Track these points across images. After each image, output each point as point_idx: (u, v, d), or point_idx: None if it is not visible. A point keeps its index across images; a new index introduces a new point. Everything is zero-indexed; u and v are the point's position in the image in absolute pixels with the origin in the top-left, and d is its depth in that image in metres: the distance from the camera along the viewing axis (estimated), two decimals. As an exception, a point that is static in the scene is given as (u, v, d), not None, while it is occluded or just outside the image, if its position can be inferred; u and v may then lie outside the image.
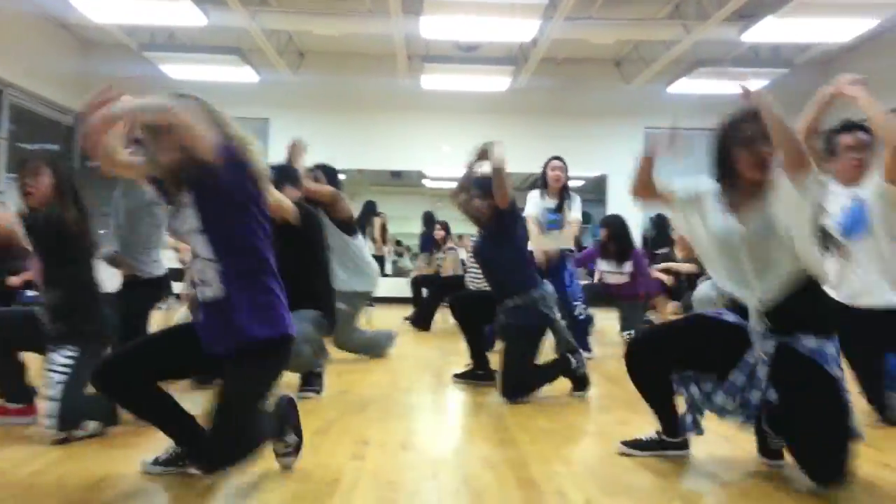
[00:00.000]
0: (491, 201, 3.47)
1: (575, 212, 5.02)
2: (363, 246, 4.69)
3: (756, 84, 2.09)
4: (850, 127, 2.93)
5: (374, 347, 4.77)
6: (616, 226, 5.74)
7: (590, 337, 5.07)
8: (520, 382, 3.36)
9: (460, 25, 7.57)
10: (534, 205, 4.98)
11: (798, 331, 2.08)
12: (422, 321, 7.01)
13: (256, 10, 8.18)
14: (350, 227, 4.44)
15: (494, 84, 9.73)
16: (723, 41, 8.66)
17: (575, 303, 4.80)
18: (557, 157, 5.04)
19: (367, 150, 10.63)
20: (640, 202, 2.41)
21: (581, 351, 4.62)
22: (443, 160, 10.73)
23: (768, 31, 7.44)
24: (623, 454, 2.45)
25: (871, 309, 2.83)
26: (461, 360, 4.04)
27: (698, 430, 2.34)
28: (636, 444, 2.47)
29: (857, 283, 2.89)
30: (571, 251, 5.08)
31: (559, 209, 4.93)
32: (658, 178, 2.33)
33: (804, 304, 2.10)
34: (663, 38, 9.08)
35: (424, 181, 11.82)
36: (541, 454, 2.45)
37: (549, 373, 3.49)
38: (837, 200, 2.95)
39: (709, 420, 2.59)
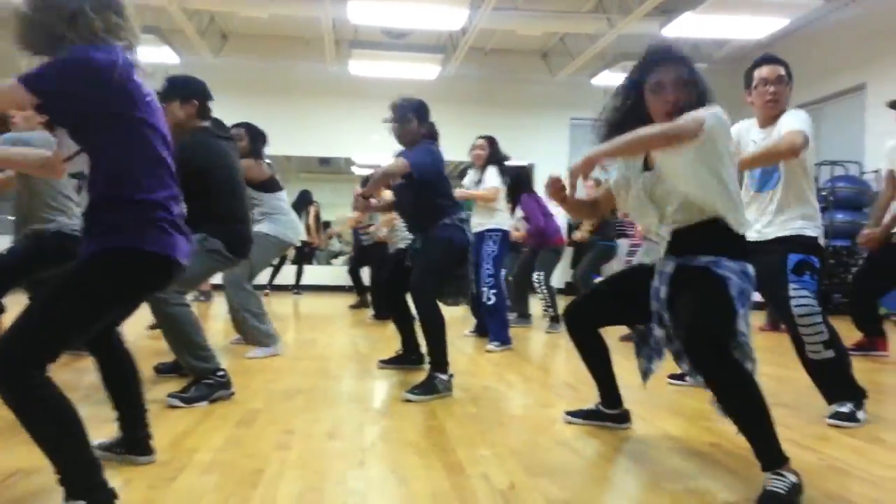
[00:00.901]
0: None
1: (488, 182, 5.05)
2: (283, 199, 4.60)
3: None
4: (767, 59, 2.91)
5: (257, 331, 4.26)
6: (511, 176, 5.75)
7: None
8: (422, 284, 3.34)
9: (389, 12, 7.52)
10: (468, 180, 5.27)
11: (698, 253, 2.13)
12: (382, 310, 6.59)
13: (176, -11, 7.88)
14: (267, 185, 4.44)
15: (423, 72, 9.71)
16: (645, 35, 8.89)
17: (482, 289, 4.83)
18: (482, 136, 5.25)
19: (294, 136, 10.43)
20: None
21: (494, 342, 4.71)
22: (372, 147, 10.67)
23: (687, 26, 7.69)
24: (566, 421, 2.68)
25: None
26: (388, 346, 4.04)
27: (644, 378, 2.42)
28: (577, 413, 2.71)
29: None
30: (495, 230, 5.01)
31: (479, 183, 5.12)
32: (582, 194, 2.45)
33: (708, 233, 2.14)
34: (588, 32, 9.28)
35: (354, 168, 11.70)
36: (467, 438, 2.48)
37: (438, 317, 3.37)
38: (754, 148, 2.88)
39: (630, 403, 2.69)
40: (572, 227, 8.47)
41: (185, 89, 3.28)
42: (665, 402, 3.14)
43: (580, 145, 11.48)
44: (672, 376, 3.49)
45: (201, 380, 2.97)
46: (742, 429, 1.96)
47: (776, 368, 3.88)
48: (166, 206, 1.80)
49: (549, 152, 10.80)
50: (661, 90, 2.15)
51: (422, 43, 9.61)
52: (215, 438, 2.42)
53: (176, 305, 3.03)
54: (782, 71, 2.87)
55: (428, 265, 3.39)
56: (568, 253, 7.98)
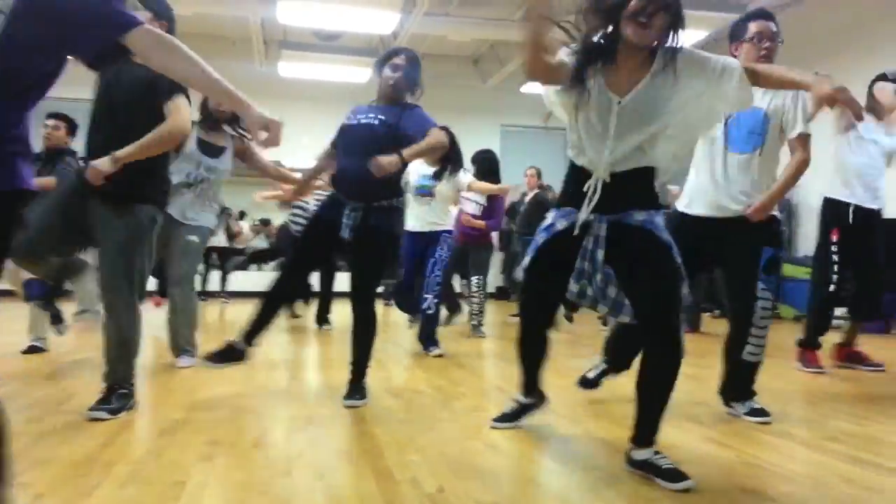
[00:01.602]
0: None
1: (468, 178, 4.97)
2: None
3: None
4: (764, 14, 2.81)
5: (188, 338, 4.07)
6: (485, 161, 5.75)
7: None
8: (372, 290, 3.21)
9: (319, 13, 7.45)
10: (413, 169, 4.73)
11: (628, 208, 2.13)
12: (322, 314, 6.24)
13: (96, -17, 7.58)
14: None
15: (355, 75, 9.66)
16: (572, 45, 9.12)
17: (426, 295, 4.79)
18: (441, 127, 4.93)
19: (220, 138, 10.19)
20: (534, 79, 2.11)
21: (431, 347, 4.70)
22: (302, 150, 10.52)
23: (613, 37, 7.91)
24: (493, 428, 2.67)
25: (701, 216, 2.87)
26: (320, 352, 3.98)
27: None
28: (502, 418, 2.72)
29: (711, 193, 2.84)
30: (449, 233, 4.90)
31: (437, 176, 4.57)
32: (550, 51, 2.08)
33: (637, 185, 2.15)
34: (517, 40, 9.42)
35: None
36: (396, 444, 2.47)
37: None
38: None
39: (556, 405, 2.73)
40: (506, 234, 8.55)
41: (166, 12, 2.97)
42: (590, 403, 3.20)
43: (511, 151, 11.63)
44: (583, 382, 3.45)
45: (118, 389, 2.84)
46: (655, 403, 2.12)
47: (695, 369, 4.02)
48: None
49: (480, 158, 10.90)
50: (649, 20, 1.96)
51: (353, 46, 9.55)
52: (135, 450, 2.33)
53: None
54: (776, 28, 2.79)
55: (376, 268, 3.18)
56: (498, 258, 8.06)
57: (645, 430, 2.14)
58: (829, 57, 8.03)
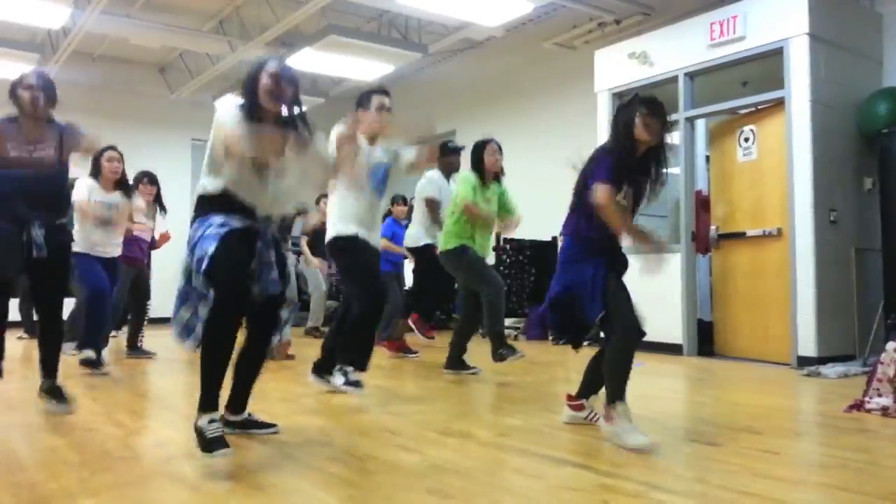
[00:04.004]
0: None
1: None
2: None
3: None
4: (383, 91, 3.68)
5: None
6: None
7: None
8: None
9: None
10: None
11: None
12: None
13: None
14: None
15: (15, 71, 8.39)
16: (267, 63, 9.06)
17: None
18: None
19: None
20: None
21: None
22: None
23: (307, 61, 8.04)
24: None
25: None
26: None
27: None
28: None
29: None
30: None
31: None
32: None
33: None
34: (208, 52, 9.07)
35: None
36: (63, 491, 2.18)
37: None
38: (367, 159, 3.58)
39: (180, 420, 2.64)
40: None
41: None
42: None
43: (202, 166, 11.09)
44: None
45: None
46: (251, 378, 2.76)
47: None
48: None
49: (170, 171, 10.18)
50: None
51: (13, 38, 8.29)
52: None
53: None
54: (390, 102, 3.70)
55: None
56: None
57: (242, 399, 2.75)
58: (497, 97, 9.16)
